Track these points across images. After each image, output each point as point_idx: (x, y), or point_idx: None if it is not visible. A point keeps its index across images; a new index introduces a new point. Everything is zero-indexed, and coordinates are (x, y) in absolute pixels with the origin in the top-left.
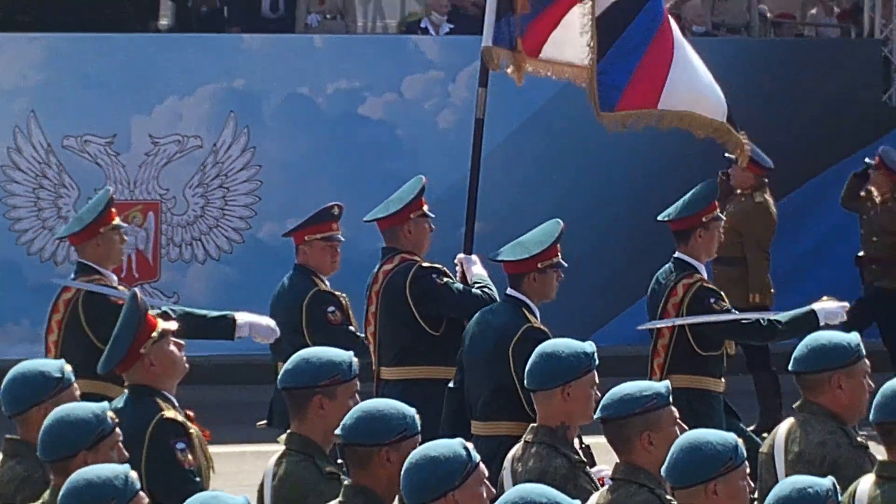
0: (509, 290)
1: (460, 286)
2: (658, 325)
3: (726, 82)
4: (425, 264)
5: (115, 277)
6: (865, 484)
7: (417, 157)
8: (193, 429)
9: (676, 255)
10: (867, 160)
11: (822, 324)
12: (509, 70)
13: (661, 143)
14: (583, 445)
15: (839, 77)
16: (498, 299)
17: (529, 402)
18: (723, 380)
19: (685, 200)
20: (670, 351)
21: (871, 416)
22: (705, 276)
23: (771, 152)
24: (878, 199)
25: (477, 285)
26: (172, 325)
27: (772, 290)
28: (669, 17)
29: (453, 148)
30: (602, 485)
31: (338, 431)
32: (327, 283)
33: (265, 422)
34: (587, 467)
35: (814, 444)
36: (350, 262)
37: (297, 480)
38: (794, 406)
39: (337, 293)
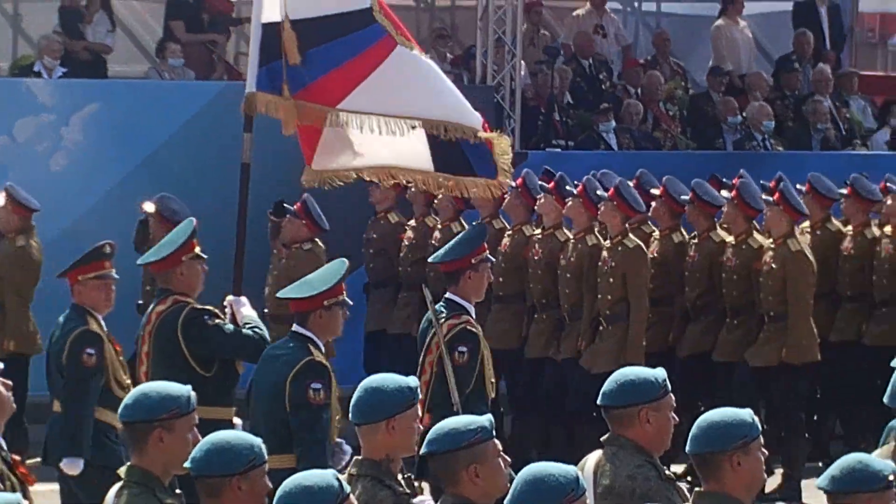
0: (295, 327)
1: (231, 327)
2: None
3: None
4: (197, 306)
5: None
6: None
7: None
8: (14, 475)
9: (447, 295)
10: None
11: None
12: (278, 115)
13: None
14: (405, 476)
15: None
16: (268, 339)
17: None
18: None
19: (454, 243)
20: (430, 389)
21: (687, 448)
22: (473, 316)
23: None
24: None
25: (248, 326)
26: None
27: (38, 338)
28: (400, 44)
29: (66, 191)
30: None
31: (187, 464)
32: (101, 321)
33: (38, 459)
34: (411, 499)
35: (623, 476)
36: None
37: None
38: (601, 439)
39: (105, 335)
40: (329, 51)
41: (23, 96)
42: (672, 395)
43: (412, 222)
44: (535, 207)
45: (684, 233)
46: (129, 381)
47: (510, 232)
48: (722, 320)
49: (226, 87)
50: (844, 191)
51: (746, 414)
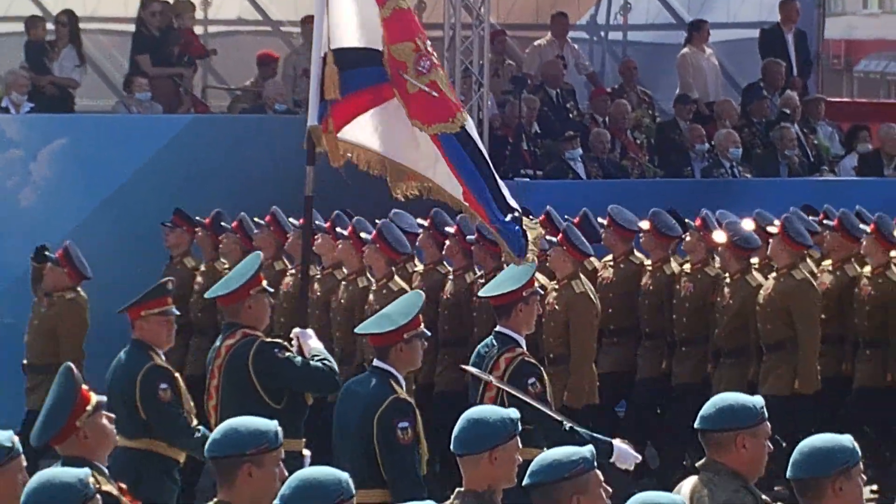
0: (376, 362)
1: (301, 360)
2: (482, 376)
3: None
4: (267, 339)
5: None
6: None
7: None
8: (126, 501)
9: (498, 328)
10: None
11: (612, 459)
12: (318, 150)
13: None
14: None
15: None
16: (337, 371)
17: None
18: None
19: (504, 276)
20: None
21: (788, 472)
22: (525, 348)
23: None
24: None
25: (316, 358)
26: (103, 398)
27: None
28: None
29: (35, 226)
30: None
31: (276, 502)
32: (163, 357)
33: None
34: None
35: (720, 502)
36: None
37: None
38: (696, 464)
39: (172, 370)
40: (346, 79)
41: None
42: (768, 423)
43: (202, 267)
44: (314, 248)
45: (476, 272)
46: (194, 410)
47: (292, 271)
48: None
49: (193, 119)
50: (644, 224)
51: (847, 440)
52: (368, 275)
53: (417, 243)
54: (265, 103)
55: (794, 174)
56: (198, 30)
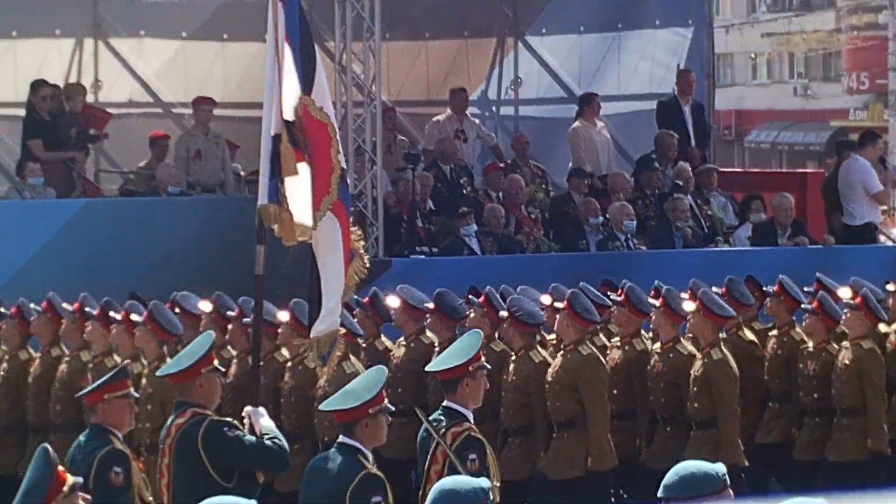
0: (342, 438)
1: (252, 438)
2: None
3: (206, 237)
4: (216, 418)
5: None
6: None
7: None
8: None
9: (445, 403)
10: None
11: None
12: (275, 228)
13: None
14: None
15: None
16: (288, 449)
17: None
18: None
19: (450, 351)
20: None
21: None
22: (472, 423)
23: None
24: None
25: (266, 437)
26: (80, 480)
27: None
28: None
29: None
30: None
31: None
32: (122, 440)
33: None
34: None
35: None
36: None
37: None
38: None
39: (130, 455)
40: None
41: None
42: (730, 490)
43: None
44: (85, 336)
45: (286, 354)
46: (151, 499)
47: (67, 357)
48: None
49: (87, 204)
50: (430, 305)
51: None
52: (143, 359)
53: (200, 328)
54: (158, 185)
55: (688, 245)
56: None
